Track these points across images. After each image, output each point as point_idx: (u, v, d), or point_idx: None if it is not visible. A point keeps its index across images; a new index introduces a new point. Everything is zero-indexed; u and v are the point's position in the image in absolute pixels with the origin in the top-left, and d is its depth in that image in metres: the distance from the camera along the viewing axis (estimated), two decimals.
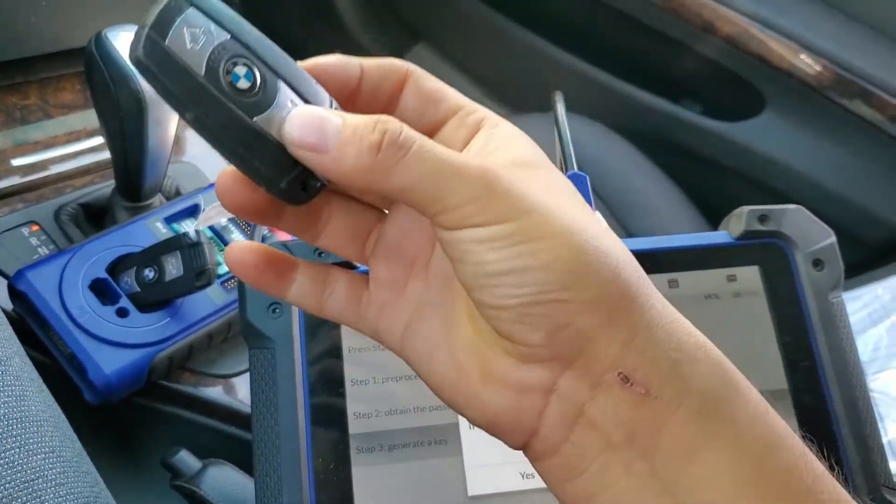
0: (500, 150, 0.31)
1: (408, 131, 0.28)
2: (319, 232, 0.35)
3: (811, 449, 0.30)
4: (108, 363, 0.61)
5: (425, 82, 0.33)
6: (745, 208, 0.53)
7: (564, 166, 0.58)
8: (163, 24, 0.27)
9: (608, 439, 0.29)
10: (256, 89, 0.29)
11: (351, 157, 0.28)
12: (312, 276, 0.35)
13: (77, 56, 0.78)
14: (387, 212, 0.35)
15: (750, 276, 0.52)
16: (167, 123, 0.65)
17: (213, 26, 0.28)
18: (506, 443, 0.32)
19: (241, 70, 0.28)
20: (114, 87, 0.62)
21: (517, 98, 1.62)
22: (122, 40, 0.63)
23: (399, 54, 1.74)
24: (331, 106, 0.31)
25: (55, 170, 0.77)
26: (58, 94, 0.81)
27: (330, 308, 0.36)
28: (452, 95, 0.34)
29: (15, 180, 0.75)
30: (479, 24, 1.57)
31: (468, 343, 0.32)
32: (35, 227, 0.71)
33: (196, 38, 0.28)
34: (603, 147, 1.15)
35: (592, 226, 0.30)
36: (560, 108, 0.61)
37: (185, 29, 0.27)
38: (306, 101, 0.30)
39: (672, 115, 1.33)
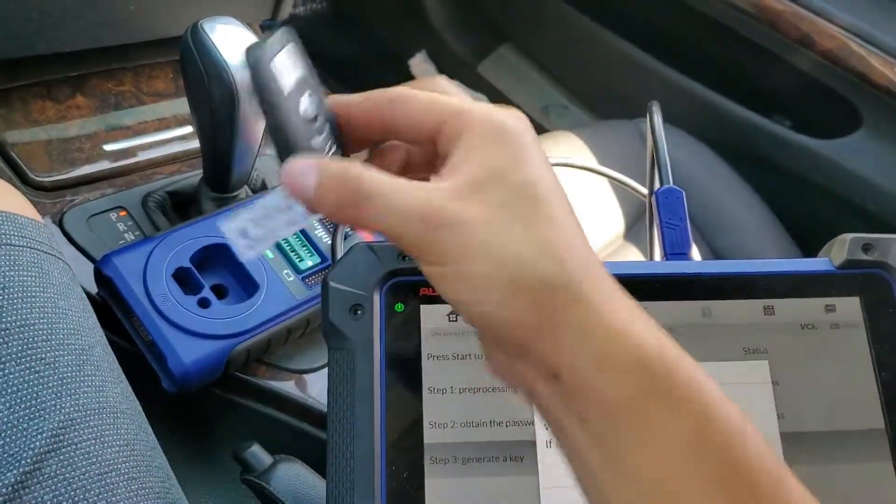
0: (465, 164, 0.33)
1: (365, 182, 0.33)
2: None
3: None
4: (188, 353, 0.62)
5: (409, 106, 0.36)
6: (848, 236, 0.51)
7: (660, 180, 0.57)
8: (274, 45, 0.34)
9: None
10: (315, 120, 0.36)
11: (324, 204, 0.33)
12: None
13: (172, 45, 0.79)
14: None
15: (850, 307, 0.50)
16: (257, 117, 0.66)
17: (301, 62, 0.36)
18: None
19: (311, 102, 0.35)
20: (207, 79, 0.63)
21: (602, 103, 1.60)
22: (217, 32, 0.63)
23: (483, 54, 1.74)
24: (329, 148, 0.37)
25: (144, 156, 0.78)
26: (151, 81, 0.82)
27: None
28: (439, 105, 0.35)
29: (105, 165, 0.76)
30: (565, 26, 1.55)
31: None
32: (123, 213, 0.72)
33: (289, 64, 0.35)
34: (690, 159, 1.13)
35: (525, 248, 0.32)
36: (657, 119, 0.59)
37: (285, 56, 0.34)
38: (337, 140, 0.37)
39: (763, 128, 1.29)
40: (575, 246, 0.33)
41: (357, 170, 0.33)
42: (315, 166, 0.33)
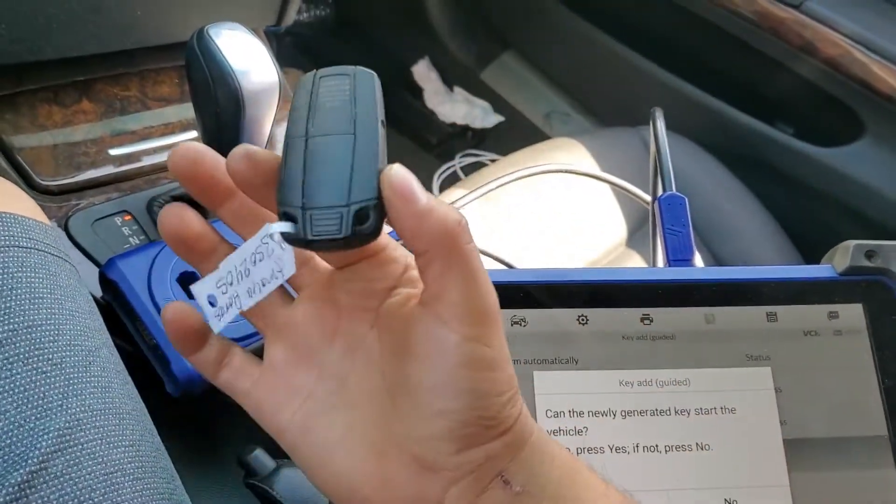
0: None
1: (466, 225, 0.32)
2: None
3: None
4: None
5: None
6: (851, 243, 0.51)
7: (663, 187, 0.57)
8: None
9: None
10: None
11: (436, 217, 0.31)
12: (218, 344, 0.39)
13: (177, 50, 0.79)
14: (296, 296, 0.38)
15: (853, 314, 0.50)
16: (263, 122, 0.66)
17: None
18: None
19: None
20: (212, 84, 0.63)
21: (605, 110, 1.60)
22: (223, 37, 0.63)
23: (486, 61, 1.74)
24: None
25: (149, 161, 0.78)
26: (157, 86, 0.83)
27: (222, 376, 0.39)
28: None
29: (110, 169, 0.76)
30: (568, 33, 1.56)
31: (372, 446, 0.35)
32: (128, 217, 0.73)
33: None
34: (692, 166, 1.13)
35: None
36: (660, 125, 0.60)
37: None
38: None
39: (765, 135, 1.29)
40: None
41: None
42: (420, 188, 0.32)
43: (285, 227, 0.33)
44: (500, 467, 0.33)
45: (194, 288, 0.36)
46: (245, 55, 0.63)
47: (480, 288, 0.32)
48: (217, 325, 0.36)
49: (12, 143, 0.73)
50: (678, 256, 0.53)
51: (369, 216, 0.32)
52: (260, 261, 0.34)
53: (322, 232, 0.32)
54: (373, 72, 0.35)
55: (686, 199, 0.54)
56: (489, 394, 0.32)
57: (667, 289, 0.49)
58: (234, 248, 0.37)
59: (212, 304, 0.36)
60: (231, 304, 0.36)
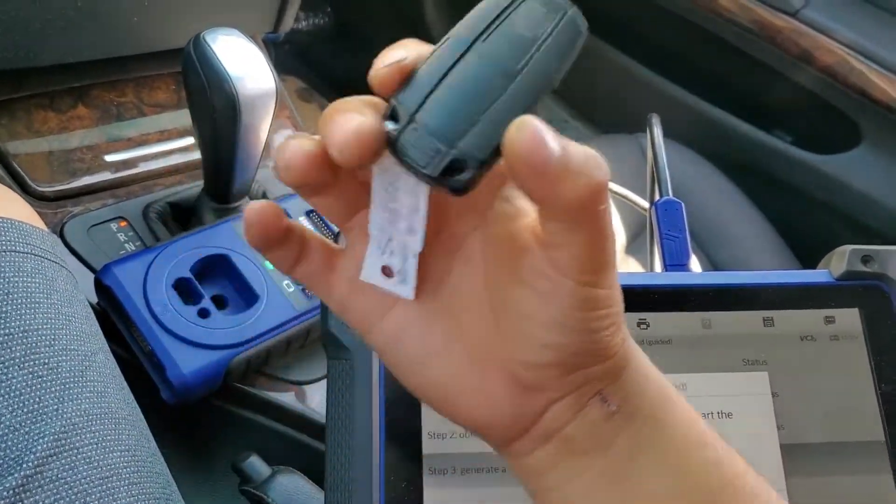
0: None
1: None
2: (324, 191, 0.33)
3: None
4: (187, 363, 0.62)
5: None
6: (848, 247, 0.51)
7: (660, 192, 0.57)
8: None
9: (576, 448, 0.34)
10: None
11: (572, 184, 0.27)
12: (299, 237, 0.34)
13: (173, 57, 0.79)
14: None
15: (849, 318, 0.50)
16: (259, 128, 0.66)
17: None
18: (485, 441, 0.35)
19: None
20: (209, 89, 0.63)
21: (603, 118, 1.60)
22: (219, 43, 0.63)
23: None
24: None
25: (145, 167, 0.78)
26: (153, 93, 0.83)
27: (300, 269, 0.35)
28: None
29: (106, 175, 0.76)
30: None
31: (473, 359, 0.33)
32: (123, 223, 0.73)
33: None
34: (690, 172, 1.13)
35: None
36: (657, 131, 0.60)
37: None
38: None
39: (763, 143, 1.29)
40: None
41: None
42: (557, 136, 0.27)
43: (390, 124, 0.29)
44: (601, 387, 0.33)
45: (364, 275, 0.32)
46: (242, 61, 0.63)
47: (606, 243, 0.30)
48: (409, 290, 0.32)
49: (8, 149, 0.73)
50: (675, 261, 0.53)
51: (465, 171, 0.28)
52: (396, 191, 0.31)
53: (410, 156, 0.28)
54: (586, 24, 0.30)
55: (682, 205, 0.54)
56: (599, 329, 0.31)
57: (663, 293, 0.49)
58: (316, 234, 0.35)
59: (387, 276, 0.33)
60: (406, 258, 0.32)
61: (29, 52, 0.70)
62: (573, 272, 0.30)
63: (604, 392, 0.33)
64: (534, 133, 0.26)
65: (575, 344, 0.31)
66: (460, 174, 0.28)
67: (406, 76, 0.30)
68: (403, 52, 0.30)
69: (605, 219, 0.29)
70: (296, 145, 0.31)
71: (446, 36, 0.30)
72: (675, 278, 0.50)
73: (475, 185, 0.29)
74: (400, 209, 0.31)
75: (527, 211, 0.31)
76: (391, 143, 0.28)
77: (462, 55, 0.29)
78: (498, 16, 0.29)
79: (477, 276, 0.33)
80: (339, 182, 0.33)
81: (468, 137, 0.28)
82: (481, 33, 0.29)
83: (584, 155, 0.27)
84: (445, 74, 0.29)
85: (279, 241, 0.33)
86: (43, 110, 0.76)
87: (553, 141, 0.26)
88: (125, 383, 0.53)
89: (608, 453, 0.33)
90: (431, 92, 0.28)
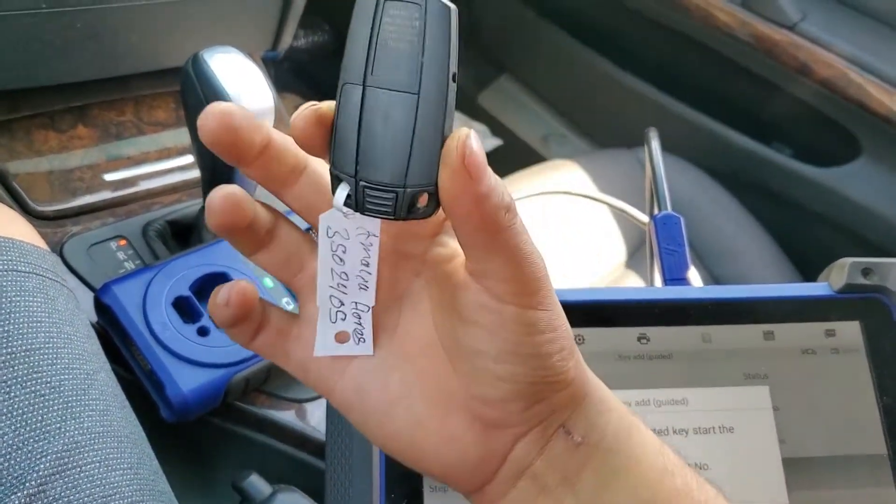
0: None
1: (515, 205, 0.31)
2: (263, 245, 0.35)
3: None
4: (186, 381, 0.61)
5: (321, 177, 0.34)
6: (848, 260, 0.51)
7: (658, 206, 0.57)
8: None
9: (545, 483, 0.34)
10: None
11: (493, 200, 0.29)
12: (256, 314, 0.35)
13: (172, 75, 0.80)
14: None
15: (850, 331, 0.50)
16: None
17: None
18: (454, 489, 0.35)
19: None
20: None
21: (601, 132, 1.61)
22: (218, 61, 0.64)
23: (483, 84, 1.75)
24: None
25: (145, 186, 0.78)
26: (152, 111, 0.83)
27: (259, 340, 0.35)
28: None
29: (106, 195, 0.76)
30: (564, 57, 1.57)
31: (434, 404, 0.34)
32: (123, 242, 0.72)
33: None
34: (690, 186, 1.13)
35: None
36: (655, 145, 0.60)
37: None
38: None
39: (762, 156, 1.30)
40: None
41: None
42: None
43: (342, 194, 0.30)
44: (563, 418, 0.33)
45: (318, 350, 0.33)
46: (240, 79, 0.63)
47: (529, 260, 0.31)
48: (368, 347, 0.33)
49: (8, 168, 0.73)
50: (674, 275, 0.53)
51: (427, 199, 0.29)
52: (344, 252, 0.32)
53: (375, 209, 0.30)
54: (450, 4, 0.29)
55: (681, 218, 0.54)
56: (551, 354, 0.32)
57: (663, 308, 0.49)
58: (290, 220, 0.35)
59: (342, 342, 0.34)
60: (360, 317, 0.33)
61: (29, 72, 0.71)
62: (508, 296, 0.31)
63: (567, 424, 0.33)
64: (467, 154, 0.28)
65: (528, 373, 0.32)
66: (423, 205, 0.30)
67: (323, 124, 0.31)
68: (316, 103, 0.31)
69: (520, 237, 0.30)
70: (222, 192, 0.32)
71: (340, 80, 0.30)
72: (675, 292, 0.50)
73: (437, 209, 0.30)
74: (350, 269, 0.32)
75: (460, 251, 0.33)
76: (355, 206, 0.30)
77: (363, 98, 0.29)
78: (369, 39, 0.29)
79: (426, 320, 0.34)
80: (274, 239, 0.34)
81: (411, 172, 0.29)
82: (366, 66, 0.29)
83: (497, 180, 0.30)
84: (360, 125, 0.29)
85: (243, 228, 0.34)
86: (43, 130, 0.76)
87: (485, 162, 0.29)
88: (127, 402, 0.53)
89: (576, 489, 0.33)
90: (358, 147, 0.29)
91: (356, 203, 0.30)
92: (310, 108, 0.31)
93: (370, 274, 0.32)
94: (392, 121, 0.29)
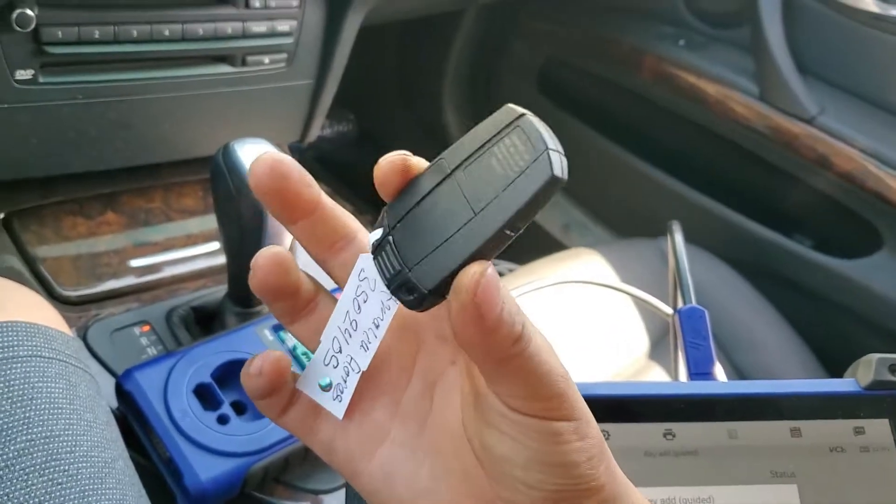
0: None
1: (530, 326, 0.30)
2: (303, 315, 0.34)
3: None
4: (205, 470, 0.61)
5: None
6: (874, 356, 0.50)
7: (682, 299, 0.57)
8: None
9: None
10: None
11: (501, 332, 0.28)
12: (288, 388, 0.34)
13: (201, 164, 0.82)
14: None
15: (880, 429, 0.49)
16: (284, 234, 0.67)
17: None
18: None
19: None
20: (236, 196, 0.64)
21: (622, 222, 1.62)
22: (247, 151, 0.65)
23: None
24: None
25: (170, 272, 0.79)
26: (181, 199, 0.85)
27: (289, 416, 0.35)
28: (351, 220, 0.34)
29: (131, 280, 0.77)
30: (585, 147, 1.59)
31: (461, 500, 0.33)
32: (146, 328, 0.73)
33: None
34: (711, 277, 1.13)
35: None
36: (678, 238, 0.60)
37: None
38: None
39: (784, 248, 1.30)
40: None
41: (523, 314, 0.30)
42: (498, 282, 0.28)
43: (375, 235, 0.30)
44: None
45: (300, 383, 0.33)
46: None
47: (546, 379, 0.30)
48: (341, 409, 0.33)
49: (36, 253, 0.74)
50: (700, 370, 0.52)
51: (414, 293, 0.29)
52: (364, 301, 0.31)
53: (381, 269, 0.30)
54: (559, 168, 0.27)
55: (706, 312, 0.54)
56: (579, 463, 0.30)
57: (689, 403, 0.48)
58: (332, 295, 0.34)
59: (324, 390, 0.33)
60: (348, 375, 0.32)
61: (62, 160, 0.73)
62: (527, 410, 0.30)
63: None
64: (477, 286, 0.27)
65: (558, 481, 0.30)
66: (410, 295, 0.29)
67: (405, 178, 0.31)
68: (410, 155, 0.31)
69: (536, 356, 0.29)
70: (269, 251, 0.32)
71: (441, 155, 0.30)
72: (700, 387, 0.49)
73: (425, 309, 0.30)
74: (362, 321, 0.31)
75: None
76: (374, 247, 0.30)
77: (441, 181, 0.29)
78: (483, 144, 0.29)
79: (457, 413, 0.33)
80: (315, 311, 0.34)
81: (422, 265, 0.29)
82: (464, 160, 0.29)
83: (515, 307, 0.29)
84: (423, 198, 0.30)
85: (285, 292, 0.33)
86: (72, 216, 0.78)
87: (499, 298, 0.28)
88: (143, 490, 0.53)
89: None
90: (409, 211, 0.30)
91: (376, 248, 0.30)
92: (400, 156, 0.31)
93: (376, 337, 0.32)
94: (442, 217, 0.29)
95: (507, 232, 0.28)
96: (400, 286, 0.30)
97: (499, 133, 0.29)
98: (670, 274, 0.63)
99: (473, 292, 0.27)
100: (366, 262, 0.31)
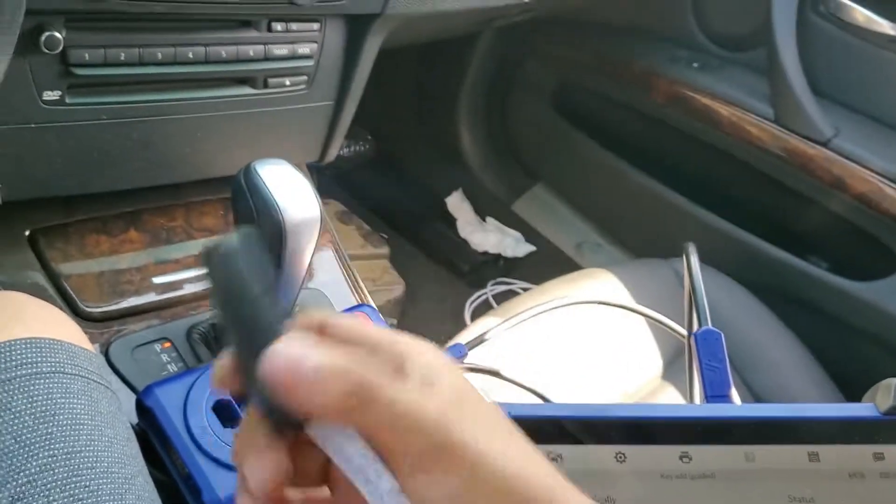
0: (437, 384, 0.31)
1: (375, 376, 0.30)
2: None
3: None
4: (224, 487, 0.61)
5: (339, 328, 0.33)
6: (893, 381, 0.50)
7: (698, 321, 0.57)
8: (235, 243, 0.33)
9: None
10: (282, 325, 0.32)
11: (320, 398, 0.30)
12: None
13: (222, 183, 0.83)
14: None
15: None
16: (303, 253, 0.68)
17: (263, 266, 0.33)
18: None
19: (277, 304, 0.33)
20: (257, 215, 0.65)
21: (636, 241, 1.62)
22: (268, 172, 0.66)
23: (518, 193, 1.78)
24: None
25: (191, 289, 0.80)
26: (202, 217, 0.86)
27: None
28: (371, 334, 0.34)
29: (152, 297, 0.78)
30: (600, 168, 1.60)
31: None
32: (167, 344, 0.74)
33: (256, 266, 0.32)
34: (726, 299, 1.13)
35: (524, 462, 0.32)
36: (693, 260, 0.60)
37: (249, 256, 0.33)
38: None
39: (799, 269, 1.29)
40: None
41: (364, 363, 0.30)
42: (312, 354, 0.30)
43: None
44: None
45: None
46: (289, 190, 0.65)
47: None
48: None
49: (60, 270, 0.75)
50: (716, 392, 0.52)
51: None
52: (344, 453, 0.31)
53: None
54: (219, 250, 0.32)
55: (722, 335, 0.54)
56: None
57: (705, 425, 0.48)
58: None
59: None
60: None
61: (87, 179, 0.74)
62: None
63: None
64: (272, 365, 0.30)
65: None
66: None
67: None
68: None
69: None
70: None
71: None
72: (717, 410, 0.49)
73: (284, 426, 0.31)
74: (360, 462, 0.31)
75: None
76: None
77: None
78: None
79: None
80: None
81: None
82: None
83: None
84: None
85: None
86: (96, 234, 0.79)
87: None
88: None
89: None
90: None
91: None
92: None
93: (375, 462, 0.31)
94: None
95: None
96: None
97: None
98: (685, 295, 0.64)
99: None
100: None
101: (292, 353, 0.30)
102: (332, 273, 0.90)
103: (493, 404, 0.33)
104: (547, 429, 0.47)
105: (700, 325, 0.58)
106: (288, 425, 0.31)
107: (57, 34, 0.63)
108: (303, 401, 0.30)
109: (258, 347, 0.30)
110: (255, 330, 0.31)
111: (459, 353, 0.73)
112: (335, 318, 0.33)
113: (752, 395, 1.06)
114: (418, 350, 0.32)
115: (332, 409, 0.30)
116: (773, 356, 1.10)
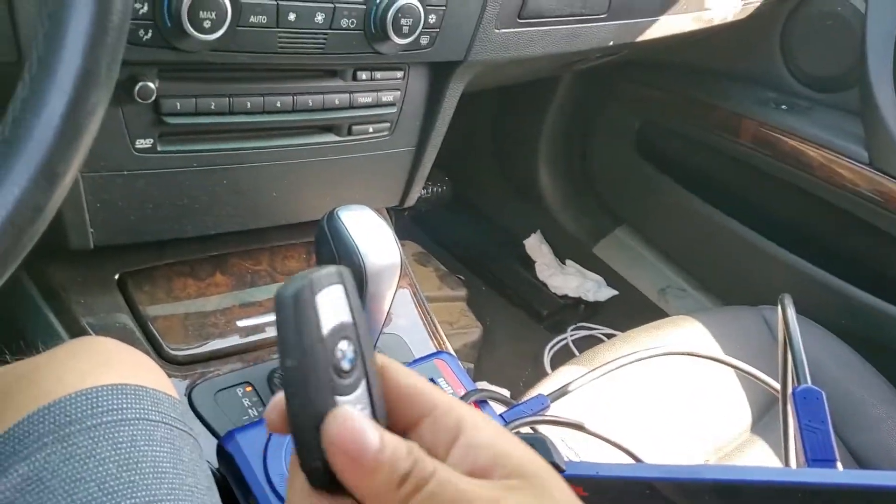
0: (492, 460, 0.31)
1: (429, 463, 0.30)
2: None
3: None
4: None
5: (398, 380, 0.33)
6: None
7: (795, 377, 0.54)
8: (321, 281, 0.31)
9: None
10: (350, 374, 0.31)
11: (379, 479, 0.30)
12: None
13: (307, 227, 0.83)
14: None
15: None
16: (383, 297, 0.67)
17: (347, 305, 0.32)
18: None
19: (348, 352, 0.31)
20: (338, 260, 0.65)
21: (722, 288, 1.58)
22: (350, 218, 0.67)
23: (599, 235, 1.76)
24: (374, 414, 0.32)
25: (273, 333, 0.80)
26: (286, 261, 0.86)
27: None
28: (428, 393, 0.33)
29: (236, 340, 0.79)
30: (685, 212, 1.56)
31: None
32: (249, 388, 0.74)
33: (334, 306, 0.31)
34: (822, 352, 1.08)
35: None
36: (790, 312, 0.58)
37: (331, 295, 0.31)
38: (373, 405, 0.32)
39: None
40: None
41: (420, 451, 0.31)
42: (374, 431, 0.30)
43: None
44: None
45: None
46: (370, 236, 0.66)
47: None
48: None
49: (147, 313, 0.77)
50: (819, 456, 0.49)
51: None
52: None
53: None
54: (292, 290, 0.31)
55: (824, 394, 0.51)
56: None
57: (808, 492, 0.45)
58: None
59: None
60: None
61: (175, 225, 0.75)
62: None
63: None
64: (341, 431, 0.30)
65: None
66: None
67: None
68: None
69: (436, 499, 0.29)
70: None
71: None
72: (821, 476, 0.47)
73: (325, 482, 0.31)
74: None
75: None
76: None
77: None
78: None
79: None
80: None
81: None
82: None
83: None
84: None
85: None
86: (183, 278, 0.80)
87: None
88: None
89: None
90: None
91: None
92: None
93: None
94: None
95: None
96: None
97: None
98: (780, 349, 0.61)
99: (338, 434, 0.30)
100: None
101: (357, 426, 0.30)
102: (409, 317, 0.89)
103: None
104: (638, 490, 0.45)
105: (798, 381, 0.55)
106: (332, 484, 0.31)
107: (150, 84, 0.65)
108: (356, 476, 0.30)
109: (314, 400, 0.30)
110: (309, 382, 0.30)
111: (541, 404, 0.71)
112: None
113: (852, 455, 1.01)
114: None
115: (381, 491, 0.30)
116: (873, 412, 1.04)
